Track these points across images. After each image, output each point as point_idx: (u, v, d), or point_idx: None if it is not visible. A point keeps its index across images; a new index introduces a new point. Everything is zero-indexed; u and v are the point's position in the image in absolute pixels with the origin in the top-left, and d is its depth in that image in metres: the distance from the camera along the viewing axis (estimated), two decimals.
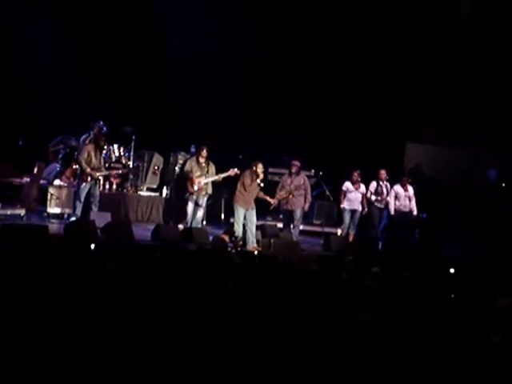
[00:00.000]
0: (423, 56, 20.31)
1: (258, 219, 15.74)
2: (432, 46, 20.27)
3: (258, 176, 15.12)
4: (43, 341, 5.38)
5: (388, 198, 17.33)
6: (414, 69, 20.27)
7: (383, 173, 17.35)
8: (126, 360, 5.31)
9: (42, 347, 5.29)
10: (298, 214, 16.42)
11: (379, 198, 17.26)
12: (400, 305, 7.24)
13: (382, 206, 17.43)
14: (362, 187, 17.18)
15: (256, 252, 13.06)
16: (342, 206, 17.25)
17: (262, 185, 15.28)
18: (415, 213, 17.60)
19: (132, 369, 5.23)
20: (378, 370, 5.47)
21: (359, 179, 17.13)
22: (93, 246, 10.68)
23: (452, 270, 10.88)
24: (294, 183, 16.38)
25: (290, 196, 16.27)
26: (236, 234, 14.99)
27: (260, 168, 15.13)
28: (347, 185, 17.12)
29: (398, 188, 17.47)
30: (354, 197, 17.09)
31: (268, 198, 15.75)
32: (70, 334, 5.52)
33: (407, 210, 17.51)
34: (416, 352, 5.80)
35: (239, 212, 15.14)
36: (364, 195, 17.17)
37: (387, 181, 17.41)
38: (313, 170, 18.39)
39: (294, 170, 16.51)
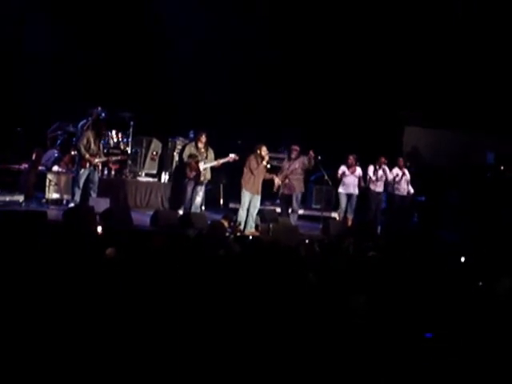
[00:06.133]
0: (422, 40, 20.26)
1: None
2: (430, 29, 20.23)
3: (263, 158, 15.20)
4: (42, 327, 5.39)
5: (389, 177, 17.45)
6: (413, 53, 20.23)
7: (383, 160, 17.38)
8: (127, 346, 5.32)
9: (41, 333, 5.30)
10: (294, 198, 16.44)
11: (377, 181, 17.32)
12: (396, 290, 7.25)
13: (381, 190, 17.46)
14: (358, 170, 17.18)
15: (251, 237, 13.06)
16: (338, 190, 17.29)
17: (268, 166, 15.36)
18: (412, 193, 17.76)
19: (133, 355, 5.24)
20: (374, 357, 5.49)
21: (355, 163, 17.14)
22: (100, 229, 10.77)
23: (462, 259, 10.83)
24: (291, 167, 16.41)
25: (287, 180, 16.30)
26: (238, 219, 15.02)
27: (264, 151, 15.23)
28: (343, 169, 17.13)
29: (397, 171, 17.56)
30: (349, 180, 17.09)
31: (274, 177, 15.80)
32: (69, 319, 5.53)
33: (405, 193, 17.59)
34: (411, 338, 5.82)
35: (246, 197, 15.22)
36: (360, 178, 17.19)
37: (386, 165, 17.46)
38: (312, 154, 18.36)
39: (293, 154, 16.56)
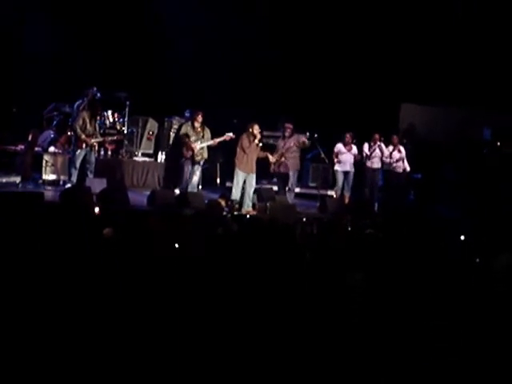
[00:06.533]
0: (418, 17, 20.19)
1: None
2: (425, 10, 20.16)
3: (255, 137, 15.24)
4: (40, 308, 5.40)
5: (385, 153, 17.45)
6: (409, 29, 20.17)
7: (377, 137, 17.40)
8: (126, 329, 5.33)
9: (39, 315, 5.31)
10: (292, 176, 16.43)
11: (372, 157, 17.35)
12: (394, 267, 7.26)
13: (377, 167, 17.48)
14: (354, 148, 17.21)
15: (248, 216, 13.09)
16: (334, 168, 17.32)
17: (260, 145, 15.37)
18: (408, 170, 17.73)
19: (131, 334, 5.25)
20: (371, 335, 5.50)
21: (351, 141, 17.17)
22: (97, 210, 10.78)
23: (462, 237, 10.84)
24: (286, 145, 16.40)
25: (283, 158, 16.28)
26: (232, 198, 15.06)
27: (256, 129, 15.26)
28: (339, 146, 17.15)
29: (390, 149, 17.56)
30: (346, 158, 17.13)
31: (268, 155, 15.82)
32: (66, 300, 5.54)
33: (401, 170, 17.60)
34: (409, 315, 5.83)
35: (239, 176, 15.26)
36: (356, 156, 17.20)
37: (381, 141, 17.47)
38: (308, 133, 18.34)
39: (287, 132, 16.53)
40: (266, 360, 5.16)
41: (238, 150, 15.35)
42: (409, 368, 5.31)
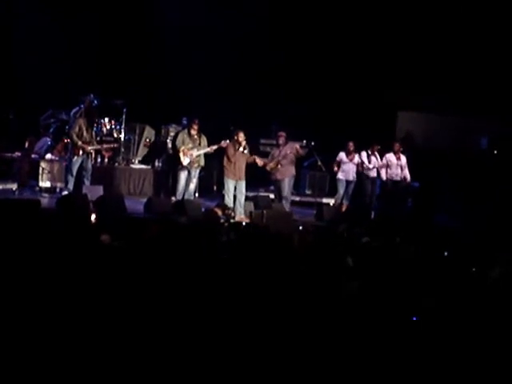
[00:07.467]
0: (413, 24, 20.20)
1: (251, 191, 15.79)
2: (422, 13, 20.18)
3: (240, 144, 15.25)
4: (36, 316, 5.40)
5: (379, 166, 17.45)
6: (405, 37, 20.18)
7: (376, 147, 17.44)
8: (121, 333, 5.33)
9: (35, 322, 5.31)
10: (286, 183, 16.37)
11: (370, 166, 17.37)
12: (390, 275, 7.26)
13: (374, 175, 17.49)
14: (357, 157, 17.24)
15: (244, 222, 13.10)
16: (337, 176, 17.32)
17: (245, 152, 15.38)
18: (408, 180, 17.66)
19: (128, 340, 5.25)
20: (367, 341, 5.51)
21: (353, 149, 17.20)
22: (93, 218, 10.78)
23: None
24: (282, 153, 16.38)
25: (279, 166, 16.28)
26: (228, 206, 15.08)
27: (241, 136, 15.31)
28: (341, 155, 17.16)
29: (390, 156, 17.54)
30: (348, 167, 17.15)
31: (256, 158, 15.84)
32: (62, 308, 5.54)
33: (399, 178, 17.58)
34: (405, 322, 5.84)
35: (229, 184, 15.36)
36: (358, 165, 17.23)
37: (379, 151, 17.49)
38: (304, 141, 18.34)
39: (280, 141, 16.51)
40: (261, 368, 5.17)
41: (225, 158, 15.47)
42: (404, 376, 5.31)
